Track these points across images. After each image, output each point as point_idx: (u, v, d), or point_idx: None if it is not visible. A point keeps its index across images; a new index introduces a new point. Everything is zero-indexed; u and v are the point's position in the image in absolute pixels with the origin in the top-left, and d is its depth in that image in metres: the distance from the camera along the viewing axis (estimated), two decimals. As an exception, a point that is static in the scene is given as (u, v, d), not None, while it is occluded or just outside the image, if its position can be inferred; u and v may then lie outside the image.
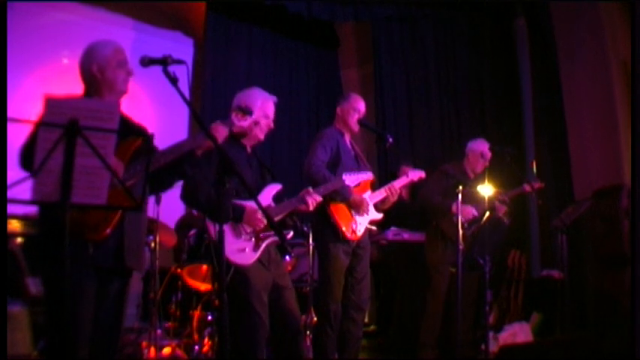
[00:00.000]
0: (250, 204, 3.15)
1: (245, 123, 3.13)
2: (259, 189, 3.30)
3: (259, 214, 3.13)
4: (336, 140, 4.01)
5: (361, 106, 4.12)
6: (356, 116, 4.08)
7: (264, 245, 3.22)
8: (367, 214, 3.95)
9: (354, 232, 3.89)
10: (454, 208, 4.25)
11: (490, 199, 4.70)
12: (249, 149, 3.40)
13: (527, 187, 4.98)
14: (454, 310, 4.13)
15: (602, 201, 5.17)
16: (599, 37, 5.92)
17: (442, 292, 4.81)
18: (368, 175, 3.86)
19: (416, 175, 4.16)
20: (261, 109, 3.31)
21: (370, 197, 4.00)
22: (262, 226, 3.18)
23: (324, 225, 3.88)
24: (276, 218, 3.28)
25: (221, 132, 2.79)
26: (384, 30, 7.04)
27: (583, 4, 6.01)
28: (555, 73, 6.25)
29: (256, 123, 3.28)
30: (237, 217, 3.17)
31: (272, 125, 3.39)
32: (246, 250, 3.17)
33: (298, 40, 7.42)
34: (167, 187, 2.91)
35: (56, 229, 2.41)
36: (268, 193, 3.33)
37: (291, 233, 3.34)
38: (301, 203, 3.39)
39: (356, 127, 4.12)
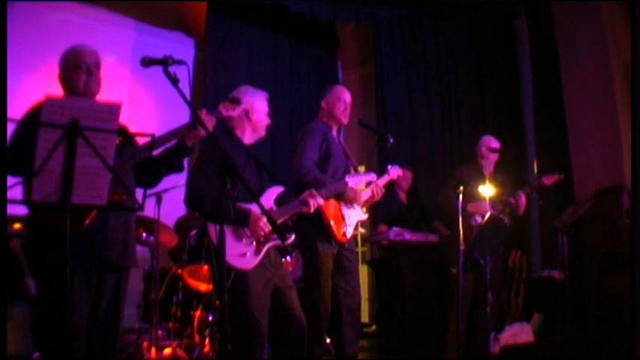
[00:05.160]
0: (255, 208, 3.07)
1: (234, 113, 3.09)
2: (258, 190, 3.21)
3: (263, 221, 3.04)
4: (325, 134, 3.92)
5: (346, 95, 4.02)
6: (342, 107, 3.98)
7: (265, 249, 3.15)
8: (360, 206, 3.91)
9: (344, 234, 3.83)
10: (469, 207, 4.69)
11: (494, 200, 4.71)
12: (249, 149, 3.30)
13: (547, 180, 4.94)
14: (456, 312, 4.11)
15: (602, 201, 5.17)
16: (600, 37, 5.92)
17: (469, 292, 4.77)
18: (371, 176, 3.83)
19: (395, 172, 4.09)
20: (251, 102, 3.26)
21: None
22: (264, 233, 3.10)
23: (313, 224, 3.75)
24: (279, 221, 3.19)
25: (207, 122, 2.72)
26: (385, 30, 7.04)
27: (584, 4, 6.00)
28: (556, 73, 6.24)
29: (247, 113, 3.23)
30: (243, 222, 3.08)
31: (269, 120, 3.33)
32: (247, 254, 3.09)
33: (299, 41, 7.42)
34: (155, 180, 2.88)
35: (40, 229, 2.41)
36: (270, 196, 3.26)
37: (293, 236, 3.21)
38: (303, 206, 3.33)
39: (344, 118, 4.01)
